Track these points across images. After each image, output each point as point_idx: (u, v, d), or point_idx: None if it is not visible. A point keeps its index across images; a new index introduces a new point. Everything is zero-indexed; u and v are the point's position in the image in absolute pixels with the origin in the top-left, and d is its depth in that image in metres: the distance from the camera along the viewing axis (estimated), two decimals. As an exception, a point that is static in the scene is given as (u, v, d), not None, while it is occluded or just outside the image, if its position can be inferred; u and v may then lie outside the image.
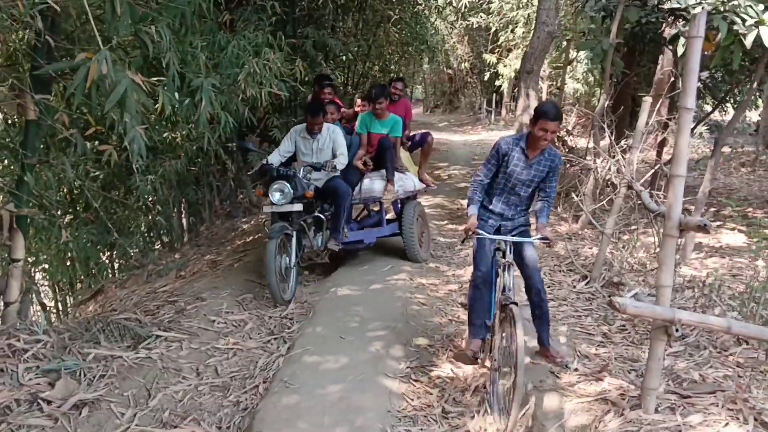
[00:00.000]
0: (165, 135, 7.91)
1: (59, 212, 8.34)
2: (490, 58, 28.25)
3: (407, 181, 7.54)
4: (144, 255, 8.85)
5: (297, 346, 5.08)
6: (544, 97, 12.10)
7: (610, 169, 7.41)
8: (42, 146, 5.39)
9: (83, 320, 5.35)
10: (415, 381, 4.73)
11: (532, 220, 4.76)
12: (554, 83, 12.64)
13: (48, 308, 8.81)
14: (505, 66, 27.20)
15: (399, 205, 7.88)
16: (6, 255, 4.83)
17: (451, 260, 8.02)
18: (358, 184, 7.19)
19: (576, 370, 4.53)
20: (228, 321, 5.72)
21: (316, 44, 10.18)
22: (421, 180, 8.13)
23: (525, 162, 4.48)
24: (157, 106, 5.42)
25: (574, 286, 6.54)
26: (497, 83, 28.53)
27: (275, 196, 6.26)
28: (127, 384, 4.42)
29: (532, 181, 4.55)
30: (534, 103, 8.57)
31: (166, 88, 5.52)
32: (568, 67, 12.13)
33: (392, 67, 22.30)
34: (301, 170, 6.57)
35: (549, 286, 6.41)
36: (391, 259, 7.53)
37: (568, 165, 10.11)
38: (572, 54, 15.04)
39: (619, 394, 4.06)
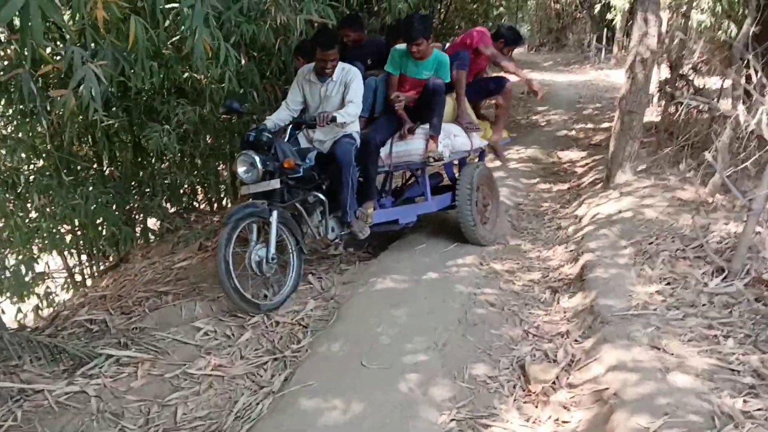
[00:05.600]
0: (185, 76, 6.41)
1: (78, 167, 7.11)
2: (601, -13, 25.38)
3: (459, 138, 5.57)
4: (171, 219, 7.51)
5: (295, 381, 3.51)
6: (663, 30, 9.96)
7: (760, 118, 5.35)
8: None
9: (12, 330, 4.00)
10: (461, 448, 3.13)
11: None
12: (674, 14, 10.73)
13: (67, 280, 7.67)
14: (618, -4, 24.18)
15: (453, 170, 6.04)
16: None
17: (538, 234, 6.25)
18: (386, 145, 5.29)
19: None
20: (220, 328, 4.24)
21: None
22: (492, 147, 6.16)
23: None
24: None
25: (706, 284, 4.59)
26: (609, 17, 25.56)
27: (240, 171, 4.61)
28: (30, 443, 3.03)
29: None
30: (654, 31, 6.52)
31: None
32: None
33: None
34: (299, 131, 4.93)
35: (669, 283, 4.58)
36: (459, 233, 5.66)
37: (695, 111, 8.03)
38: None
39: None
